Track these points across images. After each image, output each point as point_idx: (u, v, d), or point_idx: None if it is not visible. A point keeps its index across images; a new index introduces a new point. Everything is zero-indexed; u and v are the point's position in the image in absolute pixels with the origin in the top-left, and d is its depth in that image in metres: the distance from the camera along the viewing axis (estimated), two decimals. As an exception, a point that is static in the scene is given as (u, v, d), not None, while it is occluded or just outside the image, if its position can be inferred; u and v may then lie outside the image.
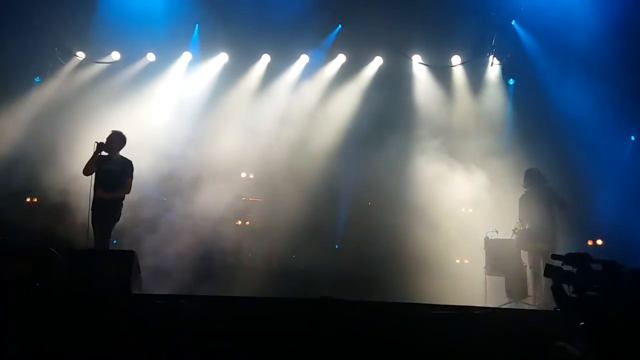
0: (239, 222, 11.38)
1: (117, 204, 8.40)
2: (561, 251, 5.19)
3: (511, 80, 12.47)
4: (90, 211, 8.27)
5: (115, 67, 12.77)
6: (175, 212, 11.21)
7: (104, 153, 8.37)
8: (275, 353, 5.57)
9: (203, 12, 12.06)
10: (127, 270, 7.14)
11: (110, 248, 8.39)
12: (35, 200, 11.75)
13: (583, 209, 10.41)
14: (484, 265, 9.21)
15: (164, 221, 10.78)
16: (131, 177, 8.52)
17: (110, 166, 8.39)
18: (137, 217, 10.08)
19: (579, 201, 10.24)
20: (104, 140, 8.37)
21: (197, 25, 12.57)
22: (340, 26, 12.49)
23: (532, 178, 9.22)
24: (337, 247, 12.03)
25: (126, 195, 8.54)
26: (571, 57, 11.07)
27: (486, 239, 9.33)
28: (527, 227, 8.98)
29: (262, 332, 5.73)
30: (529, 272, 8.90)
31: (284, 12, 11.67)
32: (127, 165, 8.50)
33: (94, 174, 8.25)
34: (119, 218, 8.46)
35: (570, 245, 8.48)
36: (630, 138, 11.88)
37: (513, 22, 11.89)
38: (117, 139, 8.51)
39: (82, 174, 8.33)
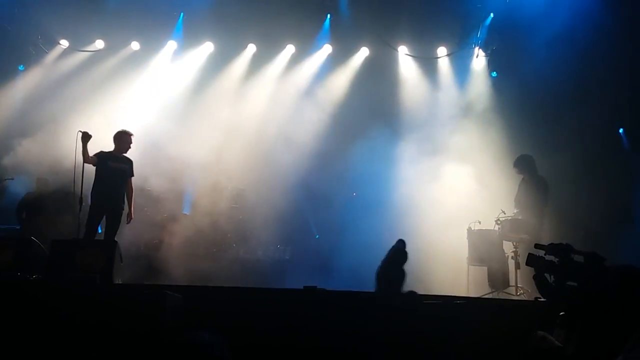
0: (224, 212, 11.29)
1: (122, 200, 9.05)
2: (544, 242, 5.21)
3: (494, 72, 12.47)
4: (94, 207, 8.77)
5: (99, 55, 12.64)
6: (160, 202, 11.15)
7: (109, 149, 8.91)
8: (260, 343, 5.57)
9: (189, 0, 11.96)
10: (110, 260, 7.13)
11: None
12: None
13: (568, 201, 10.46)
14: (467, 255, 9.26)
15: (148, 211, 10.74)
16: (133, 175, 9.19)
17: (120, 164, 8.95)
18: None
19: (564, 194, 10.29)
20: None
21: (182, 13, 12.45)
22: (329, 16, 12.42)
23: (526, 165, 9.22)
24: (317, 237, 12.01)
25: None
26: (555, 49, 11.08)
27: (469, 229, 9.37)
28: (515, 212, 9.03)
29: (246, 322, 5.72)
30: (510, 262, 8.96)
31: (270, 1, 11.60)
32: (132, 164, 9.12)
33: (100, 170, 8.80)
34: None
35: (555, 237, 8.53)
36: (619, 131, 11.96)
37: (491, 15, 11.86)
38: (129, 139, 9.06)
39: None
